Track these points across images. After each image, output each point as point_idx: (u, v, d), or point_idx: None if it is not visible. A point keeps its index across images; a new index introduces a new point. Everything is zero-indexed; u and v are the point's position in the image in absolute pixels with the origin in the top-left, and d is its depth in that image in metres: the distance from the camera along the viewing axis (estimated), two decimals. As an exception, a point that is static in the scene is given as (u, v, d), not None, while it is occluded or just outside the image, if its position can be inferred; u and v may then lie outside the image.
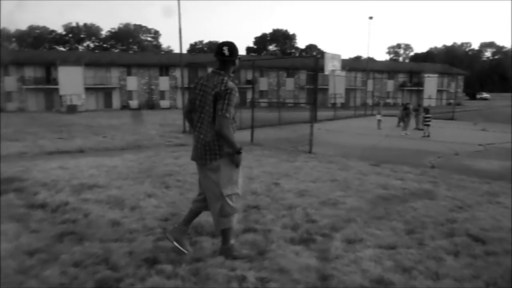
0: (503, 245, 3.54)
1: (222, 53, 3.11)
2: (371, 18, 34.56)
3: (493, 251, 3.40)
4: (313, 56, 13.80)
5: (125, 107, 40.69)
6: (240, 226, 3.99)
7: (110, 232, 3.86)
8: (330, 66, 18.69)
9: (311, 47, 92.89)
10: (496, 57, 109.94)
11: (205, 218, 4.28)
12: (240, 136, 11.84)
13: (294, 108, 30.61)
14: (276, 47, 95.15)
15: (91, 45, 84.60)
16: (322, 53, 20.66)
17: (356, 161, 8.87)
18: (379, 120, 18.05)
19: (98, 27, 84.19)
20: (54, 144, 11.37)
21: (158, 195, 5.34)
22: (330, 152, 10.34)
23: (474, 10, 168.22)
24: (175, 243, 3.27)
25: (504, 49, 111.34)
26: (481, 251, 3.39)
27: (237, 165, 3.13)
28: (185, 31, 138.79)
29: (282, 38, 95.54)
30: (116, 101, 41.46)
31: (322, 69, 19.06)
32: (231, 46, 3.14)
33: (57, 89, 37.08)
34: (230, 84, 3.03)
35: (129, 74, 41.73)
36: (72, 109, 34.89)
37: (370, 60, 77.30)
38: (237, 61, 3.19)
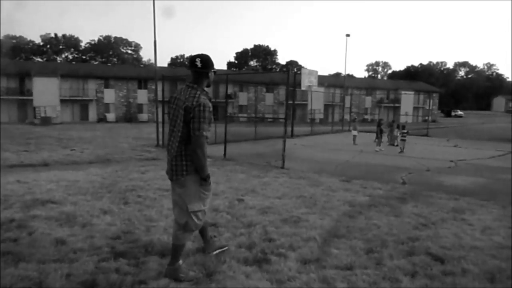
0: (462, 264, 3.45)
1: (195, 64, 3.03)
2: (348, 35, 35.23)
3: (451, 271, 3.30)
4: (287, 71, 13.80)
5: (101, 120, 39.93)
6: (193, 245, 3.79)
7: (52, 252, 3.59)
8: (307, 81, 18.78)
9: (292, 63, 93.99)
10: (469, 76, 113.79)
11: (158, 236, 4.08)
12: (213, 151, 11.71)
13: (273, 123, 30.64)
14: (257, 63, 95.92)
15: (70, 56, 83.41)
16: (299, 69, 20.80)
17: (327, 177, 8.79)
18: (354, 136, 18.20)
19: (77, 38, 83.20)
20: (18, 157, 10.92)
21: (114, 211, 5.08)
22: (303, 168, 10.25)
23: (449, 30, 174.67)
24: (217, 251, 3.56)
25: (477, 69, 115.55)
26: (439, 271, 3.28)
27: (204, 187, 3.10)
28: (166, 45, 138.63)
29: (263, 53, 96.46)
30: (92, 113, 40.63)
31: (299, 85, 19.12)
32: (204, 58, 3.07)
33: (31, 100, 36.20)
34: (202, 99, 2.93)
35: (106, 86, 41.06)
36: (46, 121, 34.02)
37: (349, 77, 78.88)
38: (211, 74, 3.10)
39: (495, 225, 5.03)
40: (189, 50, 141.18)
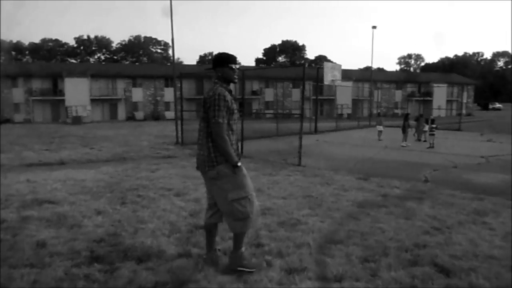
0: (470, 278, 3.01)
1: (213, 64, 3.21)
2: (374, 27, 33.98)
3: (456, 285, 2.87)
4: (301, 65, 13.38)
5: (130, 118, 40.71)
6: (175, 249, 3.55)
7: (29, 255, 3.45)
8: (330, 76, 18.21)
9: (321, 58, 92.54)
10: (509, 66, 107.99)
11: (143, 239, 3.87)
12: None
13: (298, 119, 30.19)
14: (285, 58, 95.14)
15: (102, 57, 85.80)
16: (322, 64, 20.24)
17: (344, 174, 8.37)
18: (380, 131, 17.49)
19: (108, 39, 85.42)
20: (38, 156, 11.12)
21: (108, 212, 4.92)
22: (320, 165, 9.85)
23: (487, 20, 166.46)
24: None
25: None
26: (442, 286, 2.87)
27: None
28: (195, 43, 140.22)
29: (291, 49, 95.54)
30: (121, 112, 41.51)
31: (322, 80, 18.59)
32: (215, 56, 3.24)
33: (63, 101, 37.38)
34: (219, 89, 3.03)
35: (134, 85, 41.82)
36: (77, 120, 35.04)
37: (379, 70, 76.75)
38: (229, 70, 3.15)
39: (520, 229, 4.49)
40: (218, 47, 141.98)
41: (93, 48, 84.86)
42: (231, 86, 3.21)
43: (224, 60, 3.16)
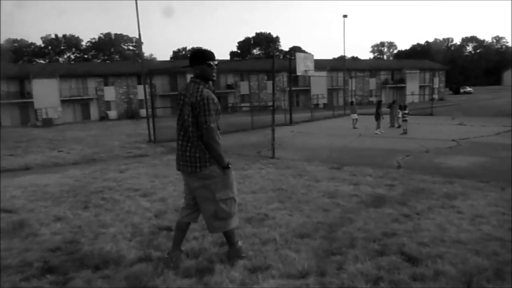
0: (437, 265, 2.95)
1: (190, 61, 3.14)
2: (345, 16, 33.97)
3: (421, 274, 2.80)
4: (271, 57, 13.26)
5: (103, 118, 39.76)
6: (136, 253, 3.37)
7: (-25, 271, 3.19)
8: (302, 66, 18.14)
9: (295, 49, 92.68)
10: (478, 51, 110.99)
11: (103, 245, 3.67)
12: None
13: (270, 111, 30.12)
14: (260, 51, 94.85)
15: (72, 56, 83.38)
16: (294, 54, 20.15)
17: (317, 165, 8.31)
18: (354, 119, 17.59)
19: (77, 38, 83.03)
20: (1, 162, 10.61)
21: (69, 218, 4.68)
22: (294, 156, 9.78)
23: (455, 6, 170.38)
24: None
25: (486, 43, 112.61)
26: (407, 276, 2.79)
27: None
28: (169, 38, 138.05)
29: (265, 41, 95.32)
30: (94, 112, 40.47)
31: (294, 70, 18.50)
32: (192, 53, 3.17)
33: (32, 103, 36.12)
34: (205, 92, 2.99)
35: (106, 84, 40.80)
36: (48, 122, 33.93)
37: (354, 59, 77.41)
38: (209, 66, 3.09)
39: (487, 211, 4.50)
40: (192, 42, 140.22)
41: (62, 47, 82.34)
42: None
43: (201, 57, 3.09)
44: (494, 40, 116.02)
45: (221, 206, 3.05)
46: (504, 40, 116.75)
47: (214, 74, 3.12)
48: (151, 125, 14.64)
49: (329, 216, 4.34)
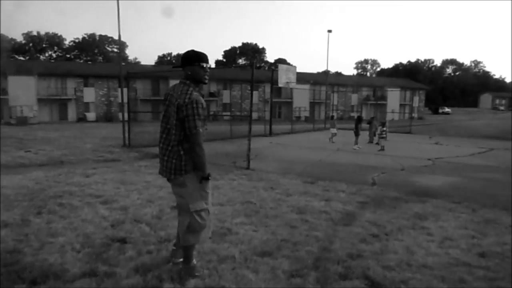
0: (400, 292, 2.78)
1: (182, 62, 3.00)
2: (330, 31, 34.38)
3: (384, 302, 2.63)
4: (250, 66, 13.16)
5: (81, 119, 38.84)
6: (83, 266, 3.08)
7: None
8: (284, 78, 18.09)
9: (280, 61, 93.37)
10: (457, 73, 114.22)
11: (46, 256, 3.36)
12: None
13: (255, 121, 29.95)
14: (245, 61, 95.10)
15: (54, 55, 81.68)
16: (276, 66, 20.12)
17: (291, 178, 8.14)
18: (333, 134, 17.56)
19: (60, 36, 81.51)
20: (-38, 160, 10.05)
21: (17, 224, 4.33)
22: (270, 168, 9.59)
23: (437, 28, 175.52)
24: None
25: (464, 66, 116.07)
26: (369, 303, 2.61)
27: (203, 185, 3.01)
28: (155, 44, 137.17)
29: (251, 51, 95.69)
30: (72, 113, 39.47)
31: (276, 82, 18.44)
32: (185, 54, 3.01)
33: (7, 100, 35.00)
34: (194, 95, 2.86)
35: (86, 85, 39.94)
36: (22, 121, 32.88)
37: (337, 74, 78.42)
38: (200, 69, 2.96)
39: (457, 234, 4.40)
40: (178, 48, 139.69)
41: (44, 45, 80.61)
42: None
43: (194, 58, 2.96)
44: (473, 64, 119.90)
45: (195, 218, 2.93)
46: (481, 65, 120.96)
47: (207, 77, 3.00)
48: (126, 129, 14.24)
49: (295, 233, 4.14)
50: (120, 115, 38.88)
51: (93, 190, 6.22)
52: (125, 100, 15.45)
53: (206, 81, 3.00)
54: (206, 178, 2.94)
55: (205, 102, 2.94)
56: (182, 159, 2.89)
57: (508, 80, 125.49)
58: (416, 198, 6.59)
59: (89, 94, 39.91)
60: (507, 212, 5.85)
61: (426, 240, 4.13)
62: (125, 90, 15.85)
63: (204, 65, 2.96)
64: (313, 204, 5.62)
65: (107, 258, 3.34)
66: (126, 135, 14.29)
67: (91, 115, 39.44)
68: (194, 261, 3.13)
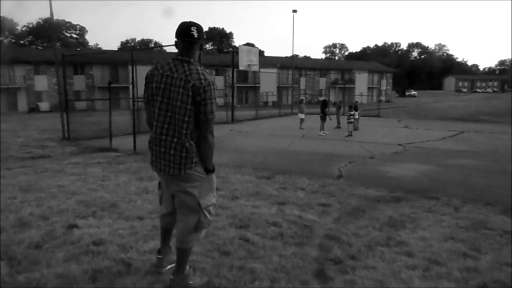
0: None
1: (191, 34, 2.49)
2: (295, 11, 32.98)
3: None
4: (228, 52, 11.75)
5: (33, 109, 36.02)
6: None
7: None
8: (245, 60, 16.74)
9: (248, 45, 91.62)
10: (422, 56, 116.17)
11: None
12: (121, 143, 9.76)
13: (219, 108, 28.52)
14: (213, 46, 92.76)
15: (5, 41, 76.35)
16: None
17: (245, 173, 6.96)
18: (301, 119, 16.44)
19: (11, 20, 76.19)
20: None
21: None
22: (224, 161, 8.30)
23: (403, 12, 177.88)
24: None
25: (429, 49, 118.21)
26: None
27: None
28: (117, 29, 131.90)
29: (218, 36, 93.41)
30: (22, 103, 36.53)
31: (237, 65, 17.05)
32: (199, 27, 2.54)
33: None
34: (209, 76, 2.46)
35: (37, 72, 36.99)
36: (-37, 113, 30.04)
37: (306, 58, 77.51)
38: (202, 46, 2.61)
39: (444, 251, 3.35)
40: (142, 34, 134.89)
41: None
42: None
43: (201, 35, 2.54)
44: (437, 47, 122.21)
45: (204, 214, 2.61)
46: (445, 48, 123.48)
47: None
48: (65, 120, 12.58)
49: (225, 264, 2.92)
50: (76, 104, 36.47)
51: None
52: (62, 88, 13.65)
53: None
54: (211, 170, 2.62)
55: None
56: (193, 151, 2.51)
57: (470, 63, 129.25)
58: (388, 193, 5.59)
59: (41, 82, 36.97)
60: (493, 208, 4.91)
61: (406, 265, 3.02)
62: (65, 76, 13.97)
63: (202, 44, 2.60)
64: (262, 212, 4.42)
65: None
66: (65, 127, 12.63)
67: (44, 105, 36.63)
68: (188, 268, 2.71)
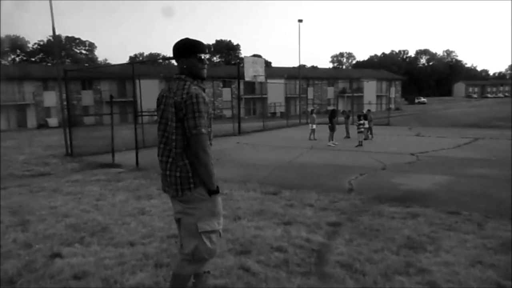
0: None
1: (175, 53, 2.50)
2: (300, 21, 32.78)
3: None
4: (235, 64, 11.54)
5: (42, 125, 36.17)
6: None
7: None
8: (251, 71, 16.46)
9: (255, 57, 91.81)
10: (430, 63, 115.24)
11: None
12: (125, 159, 9.42)
13: (227, 119, 28.22)
14: (220, 58, 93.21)
15: (17, 59, 77.73)
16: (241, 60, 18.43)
17: (250, 188, 6.61)
18: (312, 130, 15.94)
19: (23, 39, 77.56)
20: None
21: None
22: (229, 175, 7.95)
23: (410, 19, 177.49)
24: None
25: (437, 56, 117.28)
26: None
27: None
28: (127, 43, 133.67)
29: (225, 49, 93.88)
30: (31, 119, 36.74)
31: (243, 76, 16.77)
32: (176, 44, 2.48)
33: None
34: (193, 89, 2.35)
35: (45, 88, 37.25)
36: (-26, 130, 30.22)
37: (314, 68, 77.30)
38: (193, 60, 2.43)
39: (473, 279, 2.88)
40: (150, 48, 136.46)
41: (6, 49, 76.47)
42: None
43: (190, 49, 2.45)
44: (445, 54, 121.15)
45: (203, 241, 2.41)
46: (454, 54, 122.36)
47: (206, 71, 2.49)
48: (68, 136, 12.38)
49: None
50: (85, 119, 36.60)
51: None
52: (65, 102, 13.46)
53: (205, 75, 2.47)
54: (214, 191, 2.41)
55: (207, 98, 2.41)
56: (188, 170, 2.38)
57: (479, 69, 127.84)
58: (403, 209, 5.15)
59: (50, 98, 37.20)
60: (521, 224, 4.44)
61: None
62: (77, 95, 13.80)
63: (202, 56, 2.47)
64: (266, 234, 4.02)
65: None
66: (68, 142, 12.42)
67: (53, 121, 36.75)
68: None
